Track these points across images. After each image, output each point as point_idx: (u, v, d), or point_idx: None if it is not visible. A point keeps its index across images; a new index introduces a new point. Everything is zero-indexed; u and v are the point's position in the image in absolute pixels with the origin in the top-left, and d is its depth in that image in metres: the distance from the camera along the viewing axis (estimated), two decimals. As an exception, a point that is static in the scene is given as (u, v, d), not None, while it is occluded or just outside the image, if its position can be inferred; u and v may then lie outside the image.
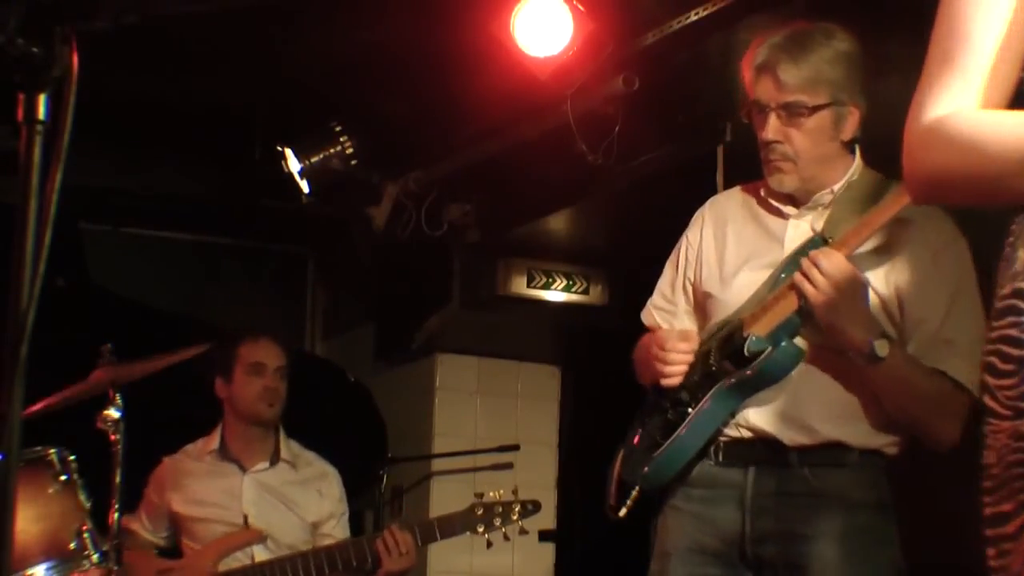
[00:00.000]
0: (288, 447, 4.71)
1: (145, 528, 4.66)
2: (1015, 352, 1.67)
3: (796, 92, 2.89)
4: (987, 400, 1.71)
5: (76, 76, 1.60)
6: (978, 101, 1.74)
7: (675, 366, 2.99)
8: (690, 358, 2.99)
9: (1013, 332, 1.67)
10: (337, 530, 4.68)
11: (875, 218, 2.83)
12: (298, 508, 4.62)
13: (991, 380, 1.70)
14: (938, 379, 2.83)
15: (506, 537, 4.41)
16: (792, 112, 2.90)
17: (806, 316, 2.85)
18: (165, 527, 4.66)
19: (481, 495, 4.43)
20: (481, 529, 4.38)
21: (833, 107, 2.90)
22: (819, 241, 2.89)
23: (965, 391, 2.81)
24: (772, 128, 2.92)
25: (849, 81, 2.91)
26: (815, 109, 2.89)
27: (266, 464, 4.65)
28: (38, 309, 1.55)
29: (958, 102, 1.73)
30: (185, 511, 4.58)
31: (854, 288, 2.78)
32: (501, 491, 4.43)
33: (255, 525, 4.53)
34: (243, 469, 4.63)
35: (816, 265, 2.78)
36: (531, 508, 4.45)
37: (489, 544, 4.40)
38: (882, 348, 2.76)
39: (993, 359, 1.70)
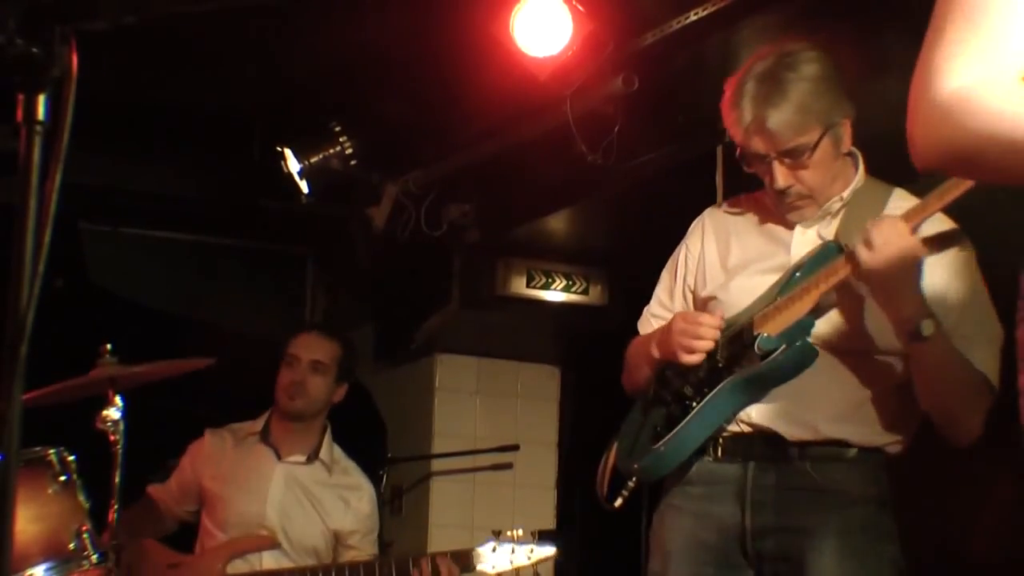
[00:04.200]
0: (330, 450, 4.74)
1: (173, 499, 4.69)
2: None
3: (792, 138, 2.88)
4: None
5: (75, 76, 1.60)
6: (1014, 71, 1.60)
7: (704, 341, 2.96)
8: (717, 335, 2.96)
9: None
10: (363, 543, 4.68)
11: (936, 200, 2.77)
12: (322, 511, 4.63)
13: None
14: (972, 369, 2.83)
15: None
16: (795, 156, 2.90)
17: (821, 314, 2.85)
18: (191, 500, 4.68)
19: (499, 533, 4.40)
20: (494, 567, 4.35)
21: (830, 132, 2.90)
22: (834, 248, 2.89)
23: (988, 384, 2.81)
24: (781, 176, 2.92)
25: (833, 100, 2.91)
26: (816, 145, 2.89)
27: (302, 458, 4.68)
28: (37, 309, 1.55)
29: (990, 70, 1.60)
30: (212, 487, 4.61)
31: (910, 260, 2.75)
32: (520, 531, 4.40)
33: (273, 517, 4.54)
34: (279, 456, 4.66)
35: (880, 228, 2.75)
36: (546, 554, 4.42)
37: None
38: (928, 327, 2.75)
39: None
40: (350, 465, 4.79)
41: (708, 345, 2.96)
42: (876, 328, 2.86)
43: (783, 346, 2.84)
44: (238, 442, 4.71)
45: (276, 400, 4.70)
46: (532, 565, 4.34)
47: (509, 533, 4.37)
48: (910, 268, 2.75)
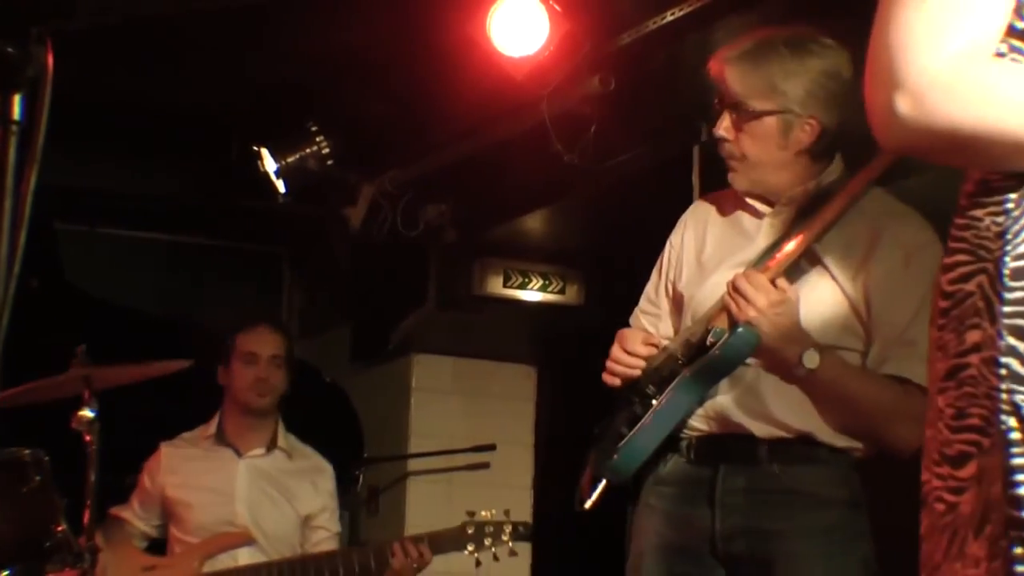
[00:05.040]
0: (286, 438, 4.76)
1: (137, 516, 4.67)
2: None
3: (745, 95, 2.88)
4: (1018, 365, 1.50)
5: (51, 76, 1.59)
6: (990, 44, 1.45)
7: (627, 370, 3.00)
8: (642, 364, 2.99)
9: None
10: (331, 523, 4.71)
11: (808, 233, 2.84)
12: (292, 498, 4.65)
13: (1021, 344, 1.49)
14: (886, 385, 2.83)
15: (495, 558, 4.41)
16: (739, 113, 2.91)
17: None
18: (157, 515, 4.66)
19: (473, 513, 4.42)
20: (471, 548, 4.39)
21: (780, 116, 2.88)
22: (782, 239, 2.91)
23: (926, 393, 2.80)
24: (723, 124, 2.94)
25: (808, 95, 2.86)
26: (760, 114, 2.88)
27: (262, 450, 4.69)
28: (12, 310, 1.55)
29: (988, 41, 1.44)
30: (177, 495, 4.59)
31: (780, 306, 2.79)
32: (493, 511, 4.42)
33: (243, 514, 4.54)
34: (239, 454, 4.66)
35: (737, 288, 2.81)
36: (522, 530, 4.45)
37: (478, 563, 4.40)
38: (811, 359, 2.78)
39: (1020, 321, 1.49)
40: (306, 449, 4.81)
41: (628, 374, 2.99)
42: (815, 324, 2.87)
43: (725, 335, 2.86)
44: (195, 447, 4.70)
45: (238, 398, 4.67)
46: (507, 543, 4.37)
47: (484, 514, 4.40)
48: (780, 315, 2.79)
